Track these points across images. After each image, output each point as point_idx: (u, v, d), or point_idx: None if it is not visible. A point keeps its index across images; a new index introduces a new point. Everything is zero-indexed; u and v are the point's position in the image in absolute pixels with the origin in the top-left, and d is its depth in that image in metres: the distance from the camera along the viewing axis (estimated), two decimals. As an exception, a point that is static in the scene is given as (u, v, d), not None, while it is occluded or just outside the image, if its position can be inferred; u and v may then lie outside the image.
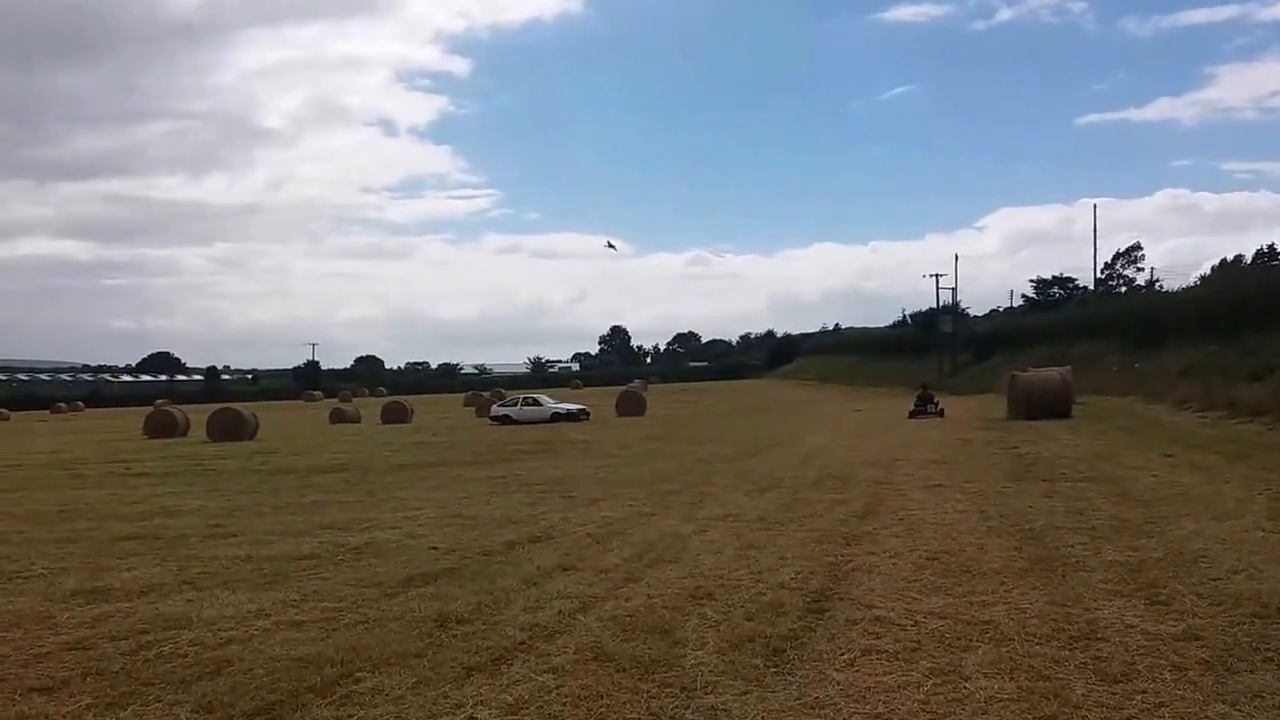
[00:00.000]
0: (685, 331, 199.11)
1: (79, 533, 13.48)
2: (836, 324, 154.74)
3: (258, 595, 8.91)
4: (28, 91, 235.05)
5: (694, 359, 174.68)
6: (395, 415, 48.95)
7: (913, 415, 34.22)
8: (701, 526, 12.05)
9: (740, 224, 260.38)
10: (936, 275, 78.19)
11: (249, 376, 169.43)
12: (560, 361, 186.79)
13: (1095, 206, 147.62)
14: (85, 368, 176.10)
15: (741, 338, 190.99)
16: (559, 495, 15.75)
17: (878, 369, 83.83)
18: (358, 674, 6.36)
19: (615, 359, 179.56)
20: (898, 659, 6.42)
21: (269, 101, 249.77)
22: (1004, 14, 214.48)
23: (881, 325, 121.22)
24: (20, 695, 6.22)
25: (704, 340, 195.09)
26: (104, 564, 10.87)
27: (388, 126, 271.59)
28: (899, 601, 7.89)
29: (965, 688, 5.82)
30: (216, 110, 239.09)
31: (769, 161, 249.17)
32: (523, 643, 6.97)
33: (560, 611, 7.81)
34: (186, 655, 7.00)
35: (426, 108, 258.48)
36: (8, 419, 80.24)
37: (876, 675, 6.11)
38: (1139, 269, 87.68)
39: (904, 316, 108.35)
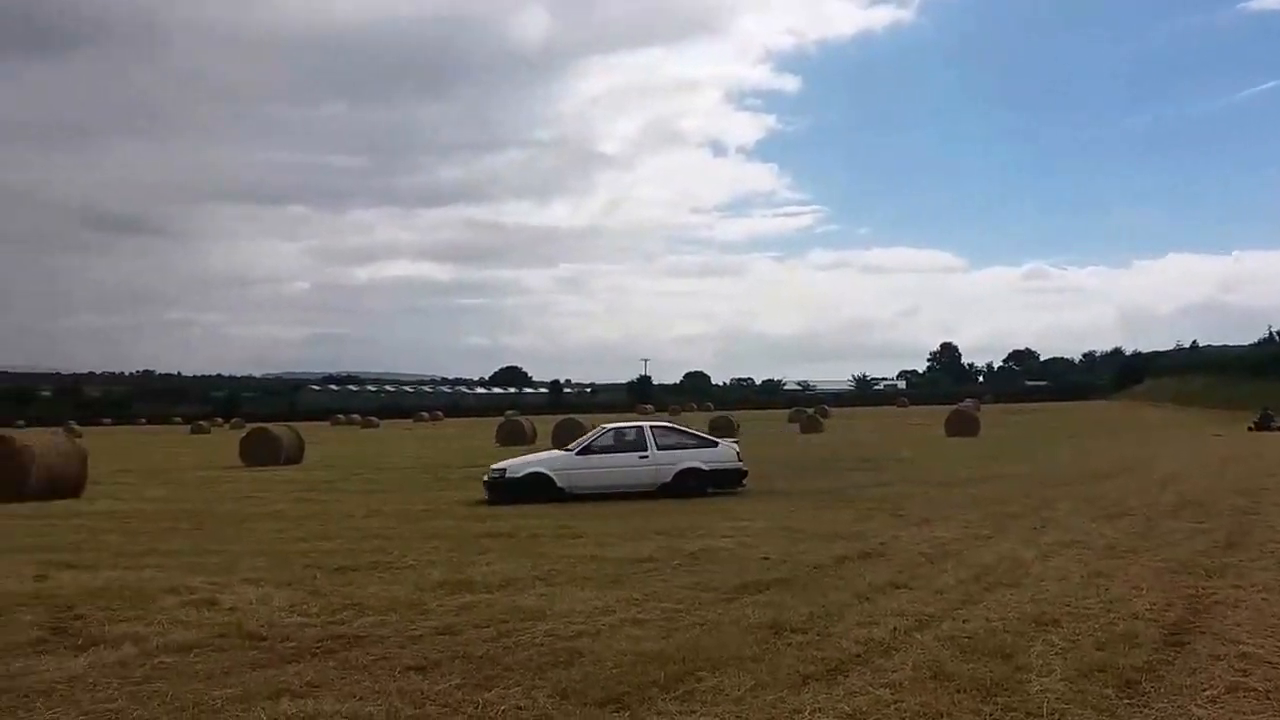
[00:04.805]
0: (1021, 349, 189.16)
1: (443, 530, 14.89)
2: (1194, 341, 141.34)
3: (603, 593, 9.49)
4: (395, 126, 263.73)
5: (1031, 378, 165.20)
6: (722, 430, 50.01)
7: (1253, 430, 41.46)
8: (1044, 552, 11.48)
9: (1083, 234, 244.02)
10: (1316, 286, 69.44)
11: (588, 390, 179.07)
12: (886, 379, 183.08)
13: None
14: (444, 380, 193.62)
15: (1084, 356, 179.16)
16: (888, 513, 15.52)
17: (1241, 391, 75.37)
18: (698, 673, 6.62)
19: (944, 377, 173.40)
20: (1269, 698, 5.87)
21: (608, 127, 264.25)
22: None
23: (1245, 343, 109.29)
24: (399, 673, 6.96)
25: (1042, 359, 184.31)
26: (466, 559, 11.94)
27: (717, 147, 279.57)
28: (1270, 639, 7.18)
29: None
30: (561, 138, 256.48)
31: (1114, 166, 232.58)
32: (858, 655, 6.98)
33: (895, 629, 7.74)
34: (542, 645, 7.58)
35: (755, 126, 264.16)
36: (377, 426, 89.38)
37: (1244, 714, 5.62)
38: None
39: (1270, 334, 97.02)
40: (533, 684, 6.54)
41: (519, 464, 19.83)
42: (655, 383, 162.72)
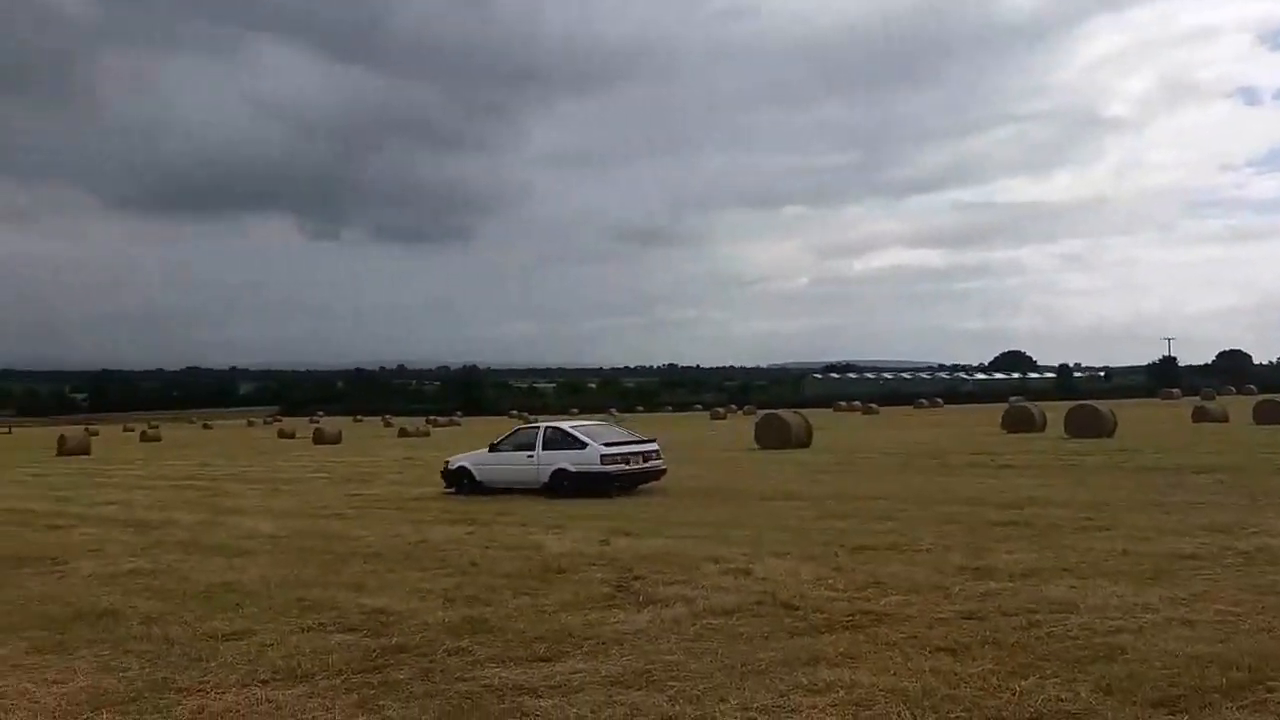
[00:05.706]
0: None
1: (955, 514, 14.67)
2: None
3: (1141, 589, 8.86)
4: (878, 120, 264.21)
5: None
6: (1269, 415, 43.95)
7: None
8: None
9: None
10: None
11: (1101, 374, 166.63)
12: None
13: None
14: (941, 366, 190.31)
15: None
16: None
17: None
18: (1268, 682, 6.00)
19: None
20: None
21: (1113, 89, 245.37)
22: None
23: None
24: (929, 653, 7.03)
25: None
26: (983, 545, 11.69)
27: (1249, 95, 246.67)
28: None
29: None
30: (1058, 107, 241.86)
31: None
32: None
33: None
34: (1077, 638, 7.26)
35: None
36: (877, 413, 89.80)
37: None
38: None
39: None
40: (1072, 676, 6.31)
41: (457, 458, 22.08)
42: (1182, 364, 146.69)
